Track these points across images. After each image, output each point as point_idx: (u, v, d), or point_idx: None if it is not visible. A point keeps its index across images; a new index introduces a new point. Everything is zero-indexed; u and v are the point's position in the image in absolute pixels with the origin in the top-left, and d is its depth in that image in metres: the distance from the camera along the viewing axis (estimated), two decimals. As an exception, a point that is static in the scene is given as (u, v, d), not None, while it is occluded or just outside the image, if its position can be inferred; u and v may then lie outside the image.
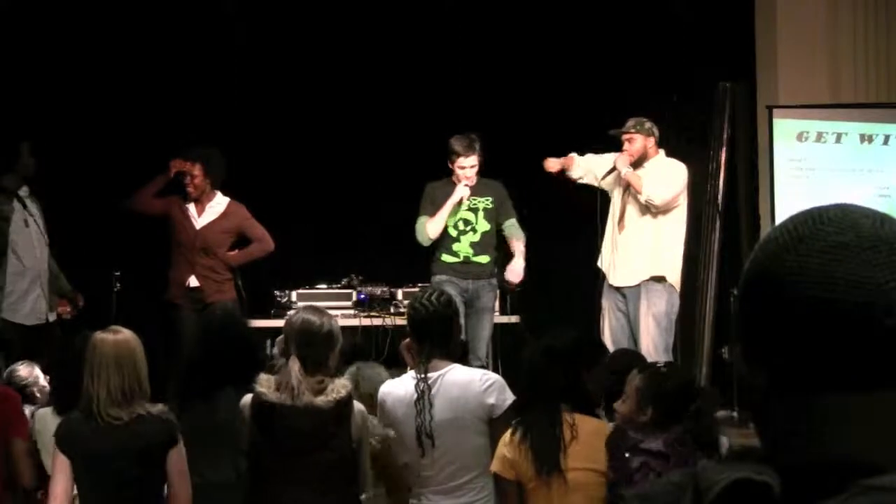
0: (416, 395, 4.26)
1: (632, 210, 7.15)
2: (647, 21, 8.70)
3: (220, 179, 7.61)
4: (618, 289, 7.16)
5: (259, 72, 8.75)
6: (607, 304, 7.18)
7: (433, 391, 4.25)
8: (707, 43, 8.57)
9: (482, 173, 7.33)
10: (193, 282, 7.45)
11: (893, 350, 1.03)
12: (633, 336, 7.05)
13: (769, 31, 8.57)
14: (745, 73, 8.63)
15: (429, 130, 8.32)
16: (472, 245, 7.31)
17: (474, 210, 7.30)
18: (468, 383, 4.27)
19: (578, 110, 8.39)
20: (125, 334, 4.12)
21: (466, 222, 7.31)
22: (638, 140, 7.13)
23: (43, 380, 5.26)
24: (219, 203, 7.62)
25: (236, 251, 7.67)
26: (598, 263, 7.28)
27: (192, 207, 7.57)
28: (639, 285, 7.07)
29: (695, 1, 8.75)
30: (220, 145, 7.77)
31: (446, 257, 7.30)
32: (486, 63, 8.77)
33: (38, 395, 5.21)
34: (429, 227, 7.22)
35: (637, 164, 7.15)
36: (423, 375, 4.27)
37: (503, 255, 7.43)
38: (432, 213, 7.24)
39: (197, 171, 7.48)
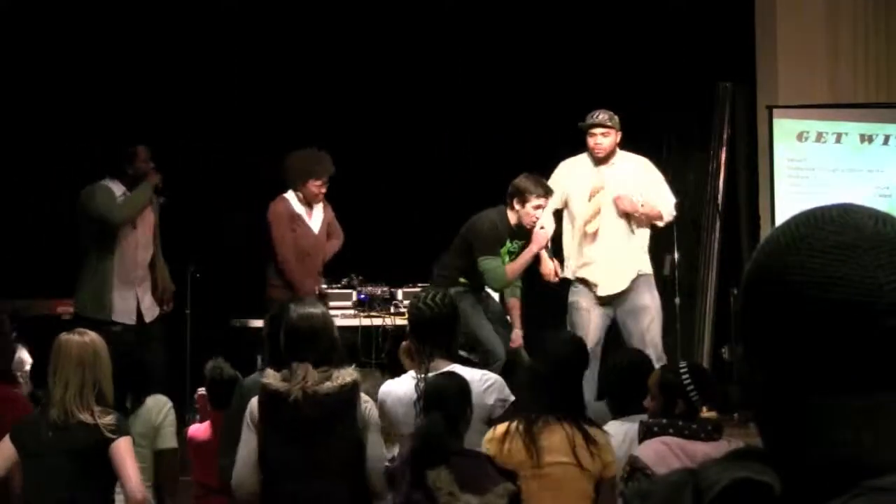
0: (415, 396, 4.26)
1: (607, 214, 6.93)
2: (647, 21, 8.70)
3: None
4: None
5: (263, 72, 8.76)
6: (587, 303, 6.94)
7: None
8: (707, 43, 8.58)
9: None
10: (317, 288, 7.28)
11: (894, 351, 1.03)
12: (640, 330, 6.87)
13: (769, 31, 8.57)
14: (745, 73, 8.64)
15: (428, 131, 8.34)
16: None
17: (511, 253, 7.03)
18: (468, 383, 4.27)
19: (578, 110, 8.39)
20: (90, 336, 4.21)
21: (510, 253, 7.03)
22: (612, 135, 6.94)
23: (27, 364, 5.34)
24: (319, 205, 7.37)
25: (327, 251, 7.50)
26: (569, 273, 7.02)
27: (304, 212, 7.28)
28: (631, 282, 6.93)
29: (695, 1, 8.76)
30: (221, 144, 7.76)
31: (464, 279, 7.02)
32: (484, 64, 8.77)
33: (20, 378, 5.28)
34: (510, 275, 6.92)
35: (605, 159, 6.96)
36: (422, 376, 4.28)
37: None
38: (498, 253, 6.92)
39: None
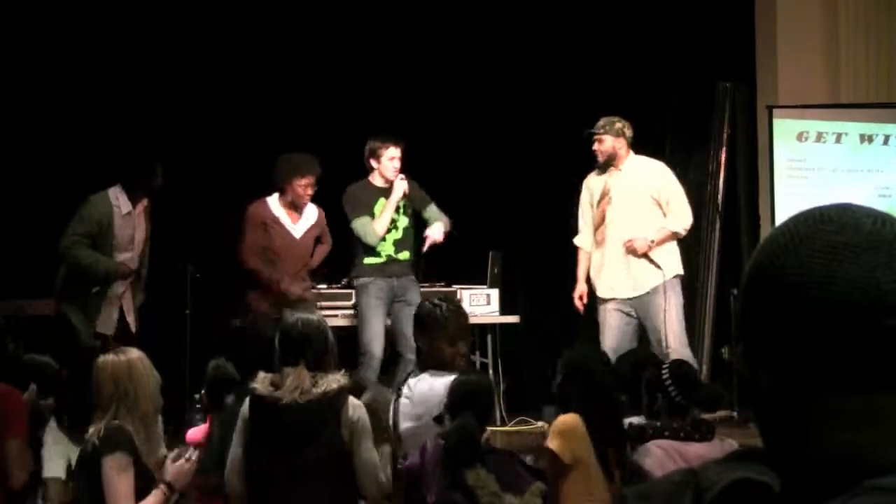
0: (402, 380, 4.42)
1: (616, 222, 6.92)
2: (647, 21, 8.70)
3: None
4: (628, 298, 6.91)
5: (266, 73, 8.77)
6: (614, 307, 6.89)
7: (405, 392, 4.35)
8: (707, 43, 8.58)
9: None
10: (297, 291, 7.19)
11: (894, 350, 1.03)
12: (657, 335, 6.86)
13: (769, 31, 8.57)
14: (745, 73, 8.64)
15: (427, 131, 8.33)
16: (395, 243, 7.27)
17: (395, 209, 7.25)
18: (433, 388, 4.29)
19: (578, 110, 8.39)
20: (127, 355, 4.25)
21: (391, 220, 7.25)
22: (606, 140, 6.92)
23: None
24: (311, 211, 7.35)
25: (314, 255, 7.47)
26: (594, 279, 7.00)
27: (283, 215, 7.25)
28: (651, 288, 6.85)
29: (695, 1, 8.76)
30: (220, 143, 7.74)
31: (369, 259, 7.26)
32: (483, 65, 8.77)
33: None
34: (377, 227, 7.17)
35: (607, 164, 6.96)
36: (410, 370, 4.40)
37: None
38: (368, 213, 7.19)
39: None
